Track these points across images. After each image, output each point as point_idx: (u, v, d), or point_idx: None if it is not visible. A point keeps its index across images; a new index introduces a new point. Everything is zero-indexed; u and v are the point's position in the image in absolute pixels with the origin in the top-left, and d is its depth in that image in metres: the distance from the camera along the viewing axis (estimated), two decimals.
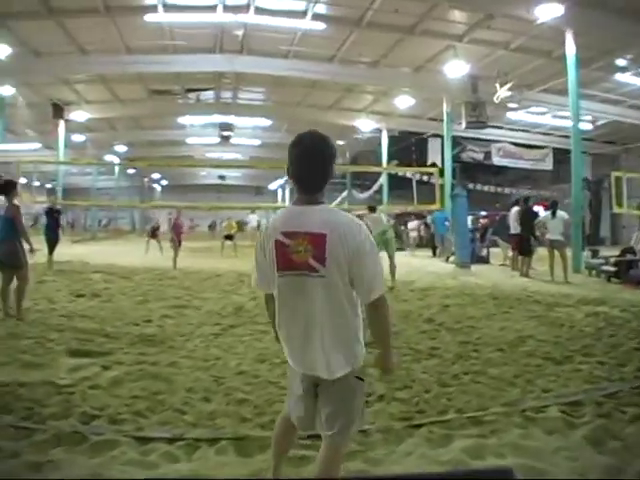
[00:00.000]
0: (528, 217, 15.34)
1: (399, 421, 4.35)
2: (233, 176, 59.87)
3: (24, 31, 19.09)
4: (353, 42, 20.08)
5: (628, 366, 5.87)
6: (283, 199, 61.65)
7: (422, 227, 27.24)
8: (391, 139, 32.61)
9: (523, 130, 31.23)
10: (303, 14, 18.01)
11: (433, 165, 26.70)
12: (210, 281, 13.79)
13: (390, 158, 32.03)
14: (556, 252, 14.24)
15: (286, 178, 55.50)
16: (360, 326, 2.77)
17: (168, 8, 17.60)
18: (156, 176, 59.75)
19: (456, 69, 19.89)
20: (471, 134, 27.24)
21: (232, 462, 3.74)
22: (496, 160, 30.53)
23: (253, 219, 33.82)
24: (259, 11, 17.89)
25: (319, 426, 2.82)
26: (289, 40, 20.47)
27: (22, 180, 51.86)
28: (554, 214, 14.34)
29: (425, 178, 27.17)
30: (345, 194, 40.25)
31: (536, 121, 29.21)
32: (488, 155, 30.36)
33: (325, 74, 22.81)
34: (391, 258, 12.84)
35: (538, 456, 3.68)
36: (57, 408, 4.54)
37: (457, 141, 28.71)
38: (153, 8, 17.58)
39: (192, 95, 29.00)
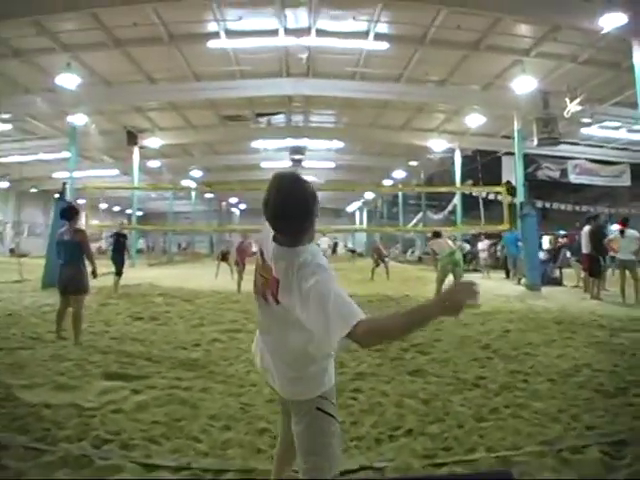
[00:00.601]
0: (598, 236, 14.64)
1: (421, 459, 4.03)
2: None
3: (93, 62, 19.87)
4: (418, 61, 19.79)
5: None
6: (361, 221, 61.78)
7: (493, 248, 26.45)
8: (465, 158, 32.04)
9: (598, 146, 29.85)
10: (365, 34, 17.85)
11: (507, 184, 25.91)
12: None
13: (464, 177, 31.48)
14: (628, 273, 13.51)
15: (363, 200, 56.74)
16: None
17: (230, 34, 17.79)
18: (234, 200, 60.76)
19: (525, 85, 19.21)
20: (546, 151, 26.36)
21: None
22: (573, 177, 29.47)
23: (324, 242, 33.66)
24: (320, 33, 17.85)
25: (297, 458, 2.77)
26: (354, 61, 20.34)
27: (103, 205, 54.13)
28: (623, 233, 13.65)
29: (500, 197, 26.49)
30: (420, 216, 39.87)
31: (611, 136, 27.91)
32: (564, 172, 29.33)
33: (393, 94, 22.53)
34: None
35: None
36: (73, 431, 4.53)
37: (532, 159, 27.86)
38: (215, 35, 17.83)
39: (263, 119, 29.32)
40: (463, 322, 10.71)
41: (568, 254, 19.69)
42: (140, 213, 60.20)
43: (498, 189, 20.42)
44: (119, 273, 15.90)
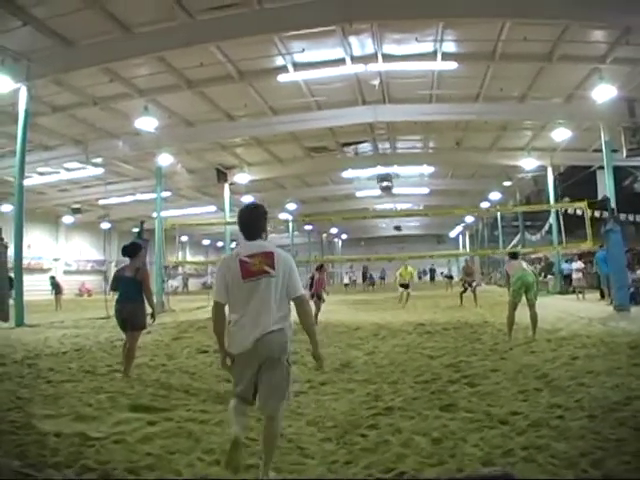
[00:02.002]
0: None
1: None
2: (412, 226, 60.02)
3: (170, 103, 20.82)
4: (492, 77, 19.31)
5: None
6: (464, 246, 60.64)
7: (586, 268, 25.07)
8: (559, 176, 30.86)
9: None
10: (433, 55, 17.57)
11: (604, 199, 24.61)
12: (345, 335, 13.63)
13: (558, 195, 30.21)
14: None
15: (464, 224, 55.68)
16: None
17: (298, 66, 18.02)
18: (334, 230, 61.15)
19: (605, 93, 18.11)
20: None
21: None
22: None
23: (345, 278, 33.59)
24: (387, 58, 17.72)
25: (258, 405, 4.24)
26: (427, 84, 20.14)
27: (205, 242, 55.55)
28: None
29: (597, 214, 25.30)
30: (519, 237, 38.71)
31: None
32: None
33: (472, 114, 22.15)
34: (531, 305, 11.69)
35: None
36: (65, 458, 4.61)
37: (627, 171, 26.54)
38: (284, 69, 18.11)
39: (349, 149, 29.45)
40: (533, 350, 10.17)
41: None
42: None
43: (579, 204, 19.33)
44: None
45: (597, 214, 24.87)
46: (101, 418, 6.00)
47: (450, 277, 43.29)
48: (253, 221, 4.35)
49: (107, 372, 8.85)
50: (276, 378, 4.09)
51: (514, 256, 13.13)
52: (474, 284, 22.57)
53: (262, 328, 4.01)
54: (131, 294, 8.57)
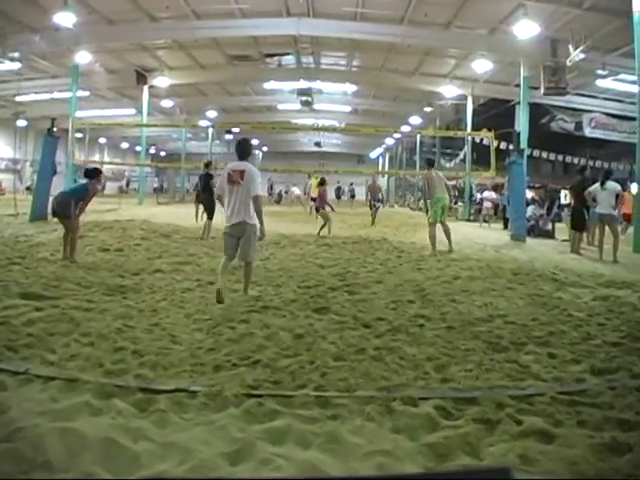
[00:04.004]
0: (582, 189, 14.18)
1: (244, 388, 4.05)
2: (333, 143, 60.15)
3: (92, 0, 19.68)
4: (418, 1, 19.39)
5: (582, 364, 4.89)
6: (384, 166, 61.25)
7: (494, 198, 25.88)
8: (480, 107, 31.42)
9: (617, 100, 28.63)
10: None
11: (512, 132, 25.21)
12: None
13: (478, 126, 30.74)
14: (607, 228, 13.22)
15: (384, 146, 56.14)
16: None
17: None
18: (255, 142, 60.61)
19: (528, 29, 18.44)
20: (561, 102, 25.81)
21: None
22: (587, 131, 28.47)
23: (297, 190, 34.10)
24: None
25: (238, 257, 7.32)
26: (353, 1, 20.03)
27: (124, 145, 54.16)
28: (603, 185, 13.12)
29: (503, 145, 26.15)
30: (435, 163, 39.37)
31: (629, 90, 26.94)
32: (579, 125, 28.40)
33: (396, 36, 22.12)
34: (443, 222, 13.39)
35: (335, 454, 3.18)
36: None
37: (546, 109, 27.25)
38: None
39: (272, 60, 29.08)
40: (420, 267, 10.73)
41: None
42: (163, 153, 60.67)
43: (487, 134, 19.88)
44: (212, 216, 14.47)
45: (512, 147, 25.55)
46: None
47: (353, 196, 45.14)
48: (241, 149, 7.39)
49: (6, 264, 8.98)
50: (248, 244, 7.19)
51: (430, 163, 14.18)
52: (377, 204, 22.51)
53: (240, 217, 7.08)
54: (67, 194, 10.33)
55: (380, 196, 23.75)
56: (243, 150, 7.39)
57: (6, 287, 7.09)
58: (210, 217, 14.49)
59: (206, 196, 14.74)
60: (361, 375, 4.42)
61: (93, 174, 10.42)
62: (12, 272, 8.29)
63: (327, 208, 17.41)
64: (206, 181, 15.12)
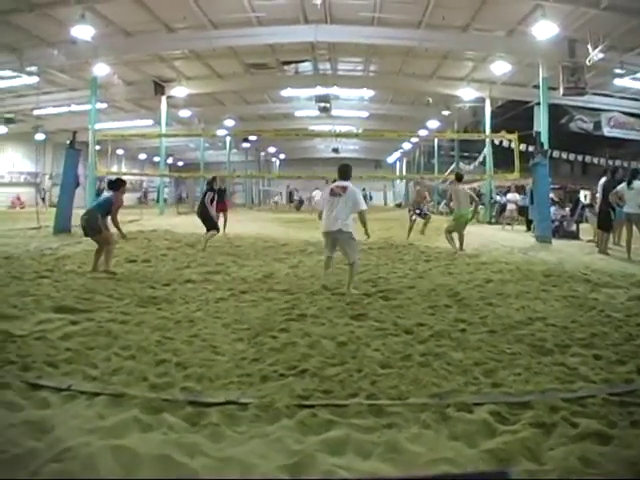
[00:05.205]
0: (609, 189, 13.97)
1: (294, 398, 3.97)
2: (350, 149, 60.16)
3: (108, 12, 20.06)
4: (436, 5, 19.30)
5: (627, 364, 4.80)
6: (401, 170, 61.18)
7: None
8: (498, 109, 31.18)
9: (634, 99, 28.37)
10: None
11: (537, 134, 25.01)
12: (271, 250, 14.16)
13: (498, 129, 30.54)
14: (635, 228, 13.00)
15: (402, 151, 56.13)
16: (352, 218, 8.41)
17: None
18: (272, 150, 60.81)
19: (546, 30, 18.33)
20: (579, 102, 25.56)
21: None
22: (606, 131, 28.23)
23: (317, 195, 33.67)
24: None
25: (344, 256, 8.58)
26: (370, 6, 20.02)
27: (142, 156, 54.38)
28: (630, 184, 12.92)
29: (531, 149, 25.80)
30: (453, 166, 39.23)
31: None
32: (598, 125, 28.16)
33: (414, 40, 22.08)
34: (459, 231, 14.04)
35: (397, 463, 3.11)
36: None
37: (564, 110, 27.02)
38: None
39: (289, 68, 29.11)
40: (450, 271, 10.64)
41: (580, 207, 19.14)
42: (180, 163, 60.84)
43: (509, 136, 19.71)
44: (211, 227, 14.20)
45: (531, 149, 25.33)
46: (25, 318, 6.21)
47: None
48: (344, 171, 8.68)
49: (34, 277, 8.95)
50: (349, 247, 8.33)
51: (460, 178, 14.47)
52: (415, 217, 18.17)
53: (337, 225, 8.17)
54: (92, 209, 10.27)
55: (425, 207, 19.14)
56: (345, 172, 8.68)
57: (38, 301, 7.04)
58: (209, 229, 14.09)
59: (201, 209, 14.44)
60: (411, 382, 4.35)
61: (117, 185, 10.37)
62: (42, 286, 8.25)
63: None
64: (204, 194, 14.68)
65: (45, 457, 2.97)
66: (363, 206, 8.47)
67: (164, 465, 2.97)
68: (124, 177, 16.25)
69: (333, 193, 8.33)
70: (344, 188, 8.31)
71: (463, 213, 13.85)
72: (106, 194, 10.57)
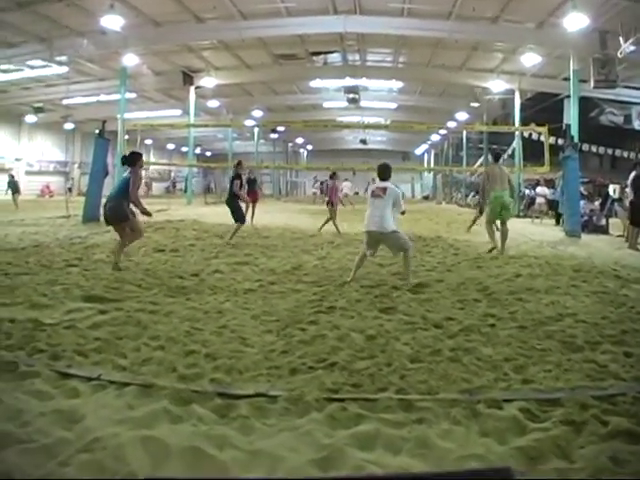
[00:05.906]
0: None
1: (324, 392, 3.95)
2: (378, 140, 59.97)
3: (138, 2, 20.14)
4: None
5: None
6: (429, 162, 60.89)
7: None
8: (528, 101, 30.88)
9: None
10: None
11: (567, 127, 24.72)
12: (300, 241, 14.10)
13: (527, 121, 30.25)
14: None
15: (430, 142, 55.79)
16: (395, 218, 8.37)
17: None
18: (300, 141, 60.78)
19: (577, 22, 18.04)
20: (610, 95, 25.19)
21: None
22: (637, 124, 27.91)
23: (346, 187, 33.39)
24: None
25: (396, 252, 8.76)
26: None
27: (170, 146, 54.62)
28: None
29: (560, 142, 25.52)
30: (482, 159, 38.94)
31: None
32: (628, 118, 27.84)
33: (443, 31, 21.89)
34: (503, 222, 12.62)
35: (427, 459, 3.09)
36: (17, 341, 4.88)
37: (595, 103, 26.65)
38: None
39: (318, 58, 29.03)
40: (479, 265, 10.54)
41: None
42: (208, 154, 61.05)
43: (539, 129, 19.49)
44: (237, 219, 13.64)
45: (561, 142, 25.04)
46: (54, 307, 6.29)
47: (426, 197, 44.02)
48: (383, 171, 8.61)
49: (64, 266, 9.06)
50: (397, 240, 8.36)
51: (497, 158, 13.26)
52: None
53: (377, 226, 8.20)
54: (113, 197, 9.23)
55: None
56: (384, 172, 8.64)
57: (68, 290, 7.12)
58: (236, 220, 13.56)
59: (229, 199, 13.88)
60: (440, 377, 4.31)
61: (133, 160, 9.30)
62: (71, 275, 8.35)
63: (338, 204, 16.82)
64: (231, 182, 14.04)
65: (75, 447, 2.99)
66: (402, 207, 8.71)
67: (194, 457, 2.98)
68: (152, 167, 16.32)
69: (374, 195, 8.39)
70: (384, 189, 8.35)
71: (498, 195, 12.08)
72: (125, 175, 9.40)
